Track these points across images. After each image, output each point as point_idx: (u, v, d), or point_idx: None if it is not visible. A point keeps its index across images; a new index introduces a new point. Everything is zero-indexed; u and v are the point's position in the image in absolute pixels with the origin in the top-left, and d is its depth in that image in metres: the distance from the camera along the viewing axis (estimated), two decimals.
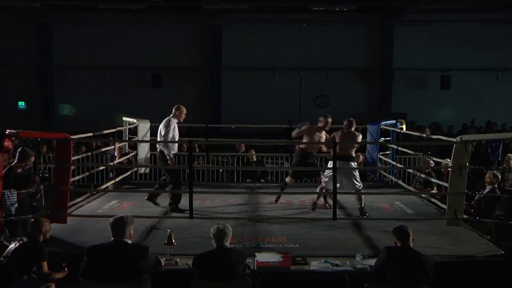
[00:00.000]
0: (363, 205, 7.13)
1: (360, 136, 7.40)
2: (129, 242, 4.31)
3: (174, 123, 7.45)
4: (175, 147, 7.54)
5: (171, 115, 7.54)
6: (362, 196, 7.17)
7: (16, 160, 5.87)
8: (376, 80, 18.96)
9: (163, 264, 4.73)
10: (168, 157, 7.26)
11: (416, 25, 18.29)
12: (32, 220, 4.77)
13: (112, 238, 4.27)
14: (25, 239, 4.54)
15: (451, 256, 5.34)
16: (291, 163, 10.93)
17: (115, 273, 4.14)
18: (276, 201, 7.95)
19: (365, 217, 6.99)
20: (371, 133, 10.18)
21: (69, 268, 4.60)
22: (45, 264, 4.43)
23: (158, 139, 7.45)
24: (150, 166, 10.55)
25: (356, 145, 7.36)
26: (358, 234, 6.30)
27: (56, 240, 5.66)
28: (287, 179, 7.94)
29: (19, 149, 5.96)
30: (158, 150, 7.53)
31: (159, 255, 4.73)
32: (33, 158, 6.12)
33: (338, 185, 6.74)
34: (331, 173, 6.75)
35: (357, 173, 7.29)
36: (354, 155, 7.35)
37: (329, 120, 7.66)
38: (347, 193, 7.32)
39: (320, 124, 7.67)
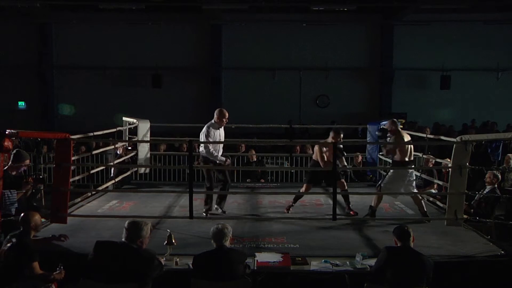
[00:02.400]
0: (425, 209, 6.97)
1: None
2: (136, 246, 4.22)
3: (213, 130, 7.17)
4: (219, 150, 7.29)
5: (212, 121, 7.27)
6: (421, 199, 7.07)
7: (10, 162, 5.86)
8: (376, 80, 18.96)
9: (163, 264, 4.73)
10: (218, 162, 7.12)
11: (416, 25, 18.29)
12: (21, 216, 4.68)
13: (124, 240, 4.23)
14: (13, 240, 4.50)
15: (451, 256, 5.34)
16: (291, 164, 10.98)
17: (119, 273, 4.10)
18: (288, 210, 7.51)
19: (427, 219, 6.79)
20: (371, 133, 10.18)
21: (69, 268, 4.58)
22: (36, 264, 4.36)
23: (201, 144, 7.24)
24: (150, 166, 10.55)
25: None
26: (358, 234, 6.30)
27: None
28: (303, 189, 7.61)
29: (14, 151, 5.93)
30: (202, 155, 7.26)
31: (159, 255, 4.73)
32: (28, 161, 6.11)
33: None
34: (390, 178, 6.89)
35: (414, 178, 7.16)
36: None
37: (341, 136, 7.47)
38: (348, 193, 7.31)
39: (329, 140, 7.45)
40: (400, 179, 6.89)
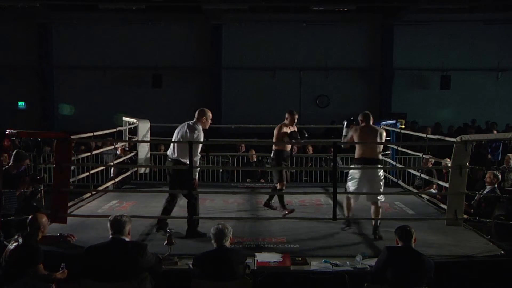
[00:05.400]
0: (378, 224, 6.19)
1: (384, 133, 6.50)
2: (127, 239, 4.36)
3: (202, 132, 6.24)
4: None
5: (195, 120, 6.30)
6: (381, 210, 6.30)
7: (11, 162, 5.90)
8: (376, 80, 18.95)
9: (163, 264, 4.74)
10: (193, 176, 6.09)
11: (416, 25, 18.28)
12: (29, 217, 4.71)
13: (111, 236, 4.33)
14: (20, 240, 4.52)
15: (451, 256, 5.34)
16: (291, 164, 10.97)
17: (115, 271, 4.16)
18: (282, 209, 7.24)
19: (376, 237, 6.03)
20: None
21: (69, 268, 4.59)
22: (40, 266, 4.40)
23: (174, 148, 6.23)
24: (150, 166, 10.54)
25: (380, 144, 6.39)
26: (358, 234, 6.30)
27: None
28: (277, 185, 7.23)
29: (14, 152, 5.98)
30: (173, 159, 6.26)
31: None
32: (27, 160, 6.15)
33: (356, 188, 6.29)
34: (355, 178, 6.31)
35: (383, 183, 6.38)
36: (381, 157, 6.45)
37: (296, 117, 7.27)
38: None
39: (286, 122, 7.27)
40: (358, 177, 6.28)
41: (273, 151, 7.46)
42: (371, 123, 6.49)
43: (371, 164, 6.26)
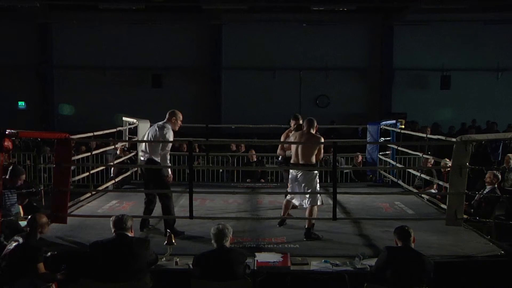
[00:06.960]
0: (312, 224, 6.23)
1: (321, 139, 6.47)
2: (131, 235, 4.47)
3: (172, 132, 6.40)
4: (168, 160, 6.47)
5: (165, 120, 6.48)
6: (315, 213, 6.31)
7: (7, 178, 5.96)
8: (376, 80, 18.95)
9: (163, 264, 4.78)
10: (165, 174, 6.31)
11: (416, 25, 18.28)
12: (28, 218, 4.75)
13: (114, 233, 4.42)
14: (20, 240, 4.53)
15: (451, 256, 5.34)
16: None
17: (119, 266, 4.23)
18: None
19: (310, 238, 6.06)
20: (371, 133, 10.19)
21: (69, 268, 4.60)
22: (41, 265, 4.42)
23: (146, 148, 6.36)
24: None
25: (316, 151, 6.38)
26: (358, 234, 6.30)
27: (56, 240, 5.67)
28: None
29: (10, 168, 6.05)
30: (147, 159, 6.35)
31: (159, 255, 4.76)
32: (23, 176, 6.24)
33: (293, 197, 6.48)
34: (290, 181, 6.46)
35: (318, 185, 6.45)
36: (314, 162, 6.42)
37: (300, 121, 7.15)
38: (346, 193, 7.30)
39: (291, 128, 7.27)
40: (289, 178, 6.50)
41: (280, 156, 7.57)
42: (311, 130, 6.54)
43: (303, 169, 6.35)
